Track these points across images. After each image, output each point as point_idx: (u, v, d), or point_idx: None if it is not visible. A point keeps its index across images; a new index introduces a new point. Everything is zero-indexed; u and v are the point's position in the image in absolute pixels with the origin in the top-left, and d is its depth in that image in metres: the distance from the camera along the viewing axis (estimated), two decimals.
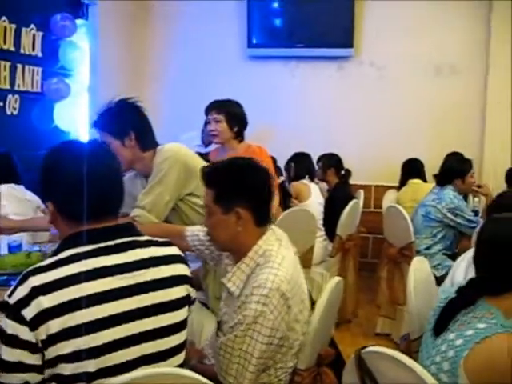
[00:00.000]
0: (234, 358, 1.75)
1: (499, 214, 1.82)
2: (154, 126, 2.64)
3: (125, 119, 2.54)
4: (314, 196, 4.45)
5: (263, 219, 1.90)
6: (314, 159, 4.91)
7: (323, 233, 4.38)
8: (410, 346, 2.28)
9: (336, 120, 5.83)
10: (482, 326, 1.52)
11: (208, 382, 1.31)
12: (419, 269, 2.34)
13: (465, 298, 1.66)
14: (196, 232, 2.30)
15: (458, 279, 2.21)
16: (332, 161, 4.88)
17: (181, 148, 2.62)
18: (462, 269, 2.25)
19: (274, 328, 1.74)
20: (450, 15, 5.61)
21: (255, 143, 3.58)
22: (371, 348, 1.51)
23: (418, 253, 3.78)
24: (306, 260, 3.90)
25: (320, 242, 4.29)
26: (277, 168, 4.36)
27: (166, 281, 1.51)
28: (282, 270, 1.79)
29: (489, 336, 1.48)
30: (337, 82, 5.89)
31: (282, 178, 4.12)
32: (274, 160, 5.00)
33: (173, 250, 1.60)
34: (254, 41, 5.97)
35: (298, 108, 5.90)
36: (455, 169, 3.91)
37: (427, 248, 3.92)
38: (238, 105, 3.46)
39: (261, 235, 1.88)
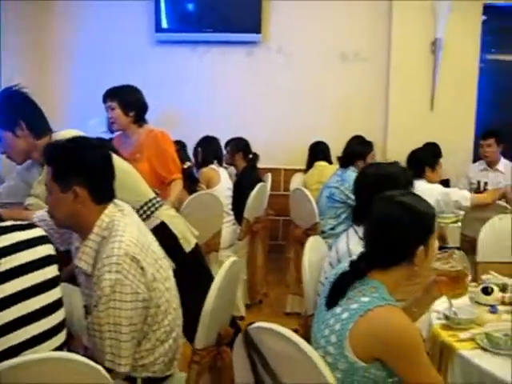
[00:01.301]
0: (105, 334, 1.75)
1: (386, 193, 1.90)
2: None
3: (12, 109, 2.48)
4: (223, 181, 4.48)
5: (102, 197, 1.91)
6: (223, 144, 4.94)
7: (232, 217, 4.44)
8: (307, 321, 2.37)
9: (245, 105, 5.90)
10: (365, 299, 1.60)
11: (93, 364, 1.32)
12: (314, 248, 2.43)
13: (354, 272, 1.73)
14: (44, 217, 2.26)
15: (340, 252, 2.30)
16: (240, 145, 4.93)
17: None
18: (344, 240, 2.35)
19: (134, 292, 1.76)
20: (354, 2, 5.77)
21: (160, 128, 3.56)
22: (257, 324, 1.57)
23: (323, 233, 3.90)
24: (213, 244, 3.96)
25: (229, 227, 4.34)
26: (181, 152, 4.35)
27: (39, 262, 1.52)
28: (126, 235, 1.83)
29: (371, 309, 1.56)
30: (245, 67, 5.94)
31: (189, 164, 4.12)
32: (183, 145, 5.01)
33: (37, 232, 1.61)
34: (162, 25, 5.91)
35: (207, 93, 5.90)
36: (356, 151, 4.05)
37: (332, 228, 4.03)
38: (132, 90, 3.45)
39: (103, 210, 1.90)
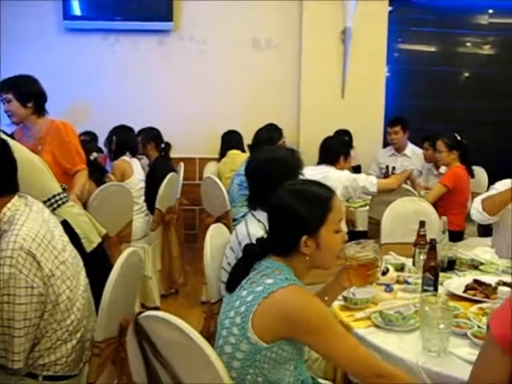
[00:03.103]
0: None
1: (290, 181, 1.90)
2: None
3: None
4: (136, 173, 4.40)
5: (1, 189, 1.88)
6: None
7: (144, 207, 4.39)
8: (211, 309, 2.39)
9: (157, 94, 5.82)
10: (269, 281, 1.60)
11: None
12: (216, 235, 2.44)
13: (252, 256, 1.74)
14: None
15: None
16: (151, 135, 4.87)
17: None
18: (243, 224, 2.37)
19: (29, 286, 1.74)
20: None
21: (62, 119, 3.47)
22: (146, 313, 1.56)
23: (235, 221, 3.92)
24: (125, 235, 3.91)
25: (141, 217, 4.30)
26: (92, 143, 4.25)
27: None
28: (24, 228, 1.80)
29: (274, 291, 1.56)
30: (158, 56, 5.86)
31: (95, 155, 4.02)
32: (93, 136, 4.91)
33: None
34: (71, 13, 5.73)
35: (120, 83, 5.79)
36: (265, 138, 4.07)
37: (243, 216, 4.05)
38: (28, 80, 3.34)
39: (5, 203, 1.87)
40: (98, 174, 3.74)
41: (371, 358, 1.63)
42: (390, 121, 5.45)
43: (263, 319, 1.56)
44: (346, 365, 1.61)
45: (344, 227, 3.98)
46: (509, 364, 1.27)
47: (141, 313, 1.57)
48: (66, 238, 2.05)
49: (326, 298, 1.98)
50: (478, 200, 3.22)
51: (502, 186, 3.17)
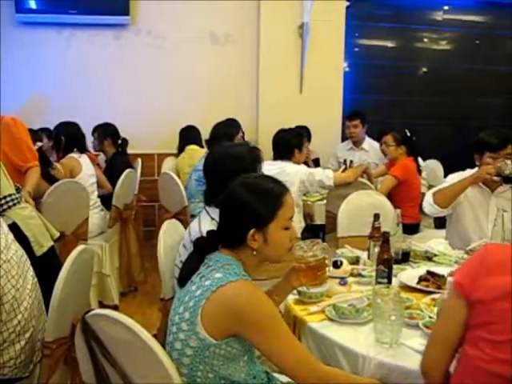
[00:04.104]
0: None
1: (243, 176, 1.88)
2: None
3: None
4: (85, 169, 4.28)
5: None
6: (89, 130, 4.79)
7: (99, 203, 4.32)
8: (166, 305, 2.37)
9: (114, 90, 5.71)
10: (218, 275, 1.59)
11: None
12: (170, 232, 2.42)
13: (202, 249, 1.73)
14: None
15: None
16: (107, 131, 4.80)
17: None
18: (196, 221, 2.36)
19: None
20: None
21: (11, 115, 3.37)
22: (93, 311, 1.54)
23: (193, 217, 3.89)
24: (81, 233, 3.85)
25: (96, 213, 4.23)
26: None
27: None
28: None
29: (223, 285, 1.56)
30: (114, 51, 5.75)
31: (39, 144, 3.88)
32: (49, 132, 4.80)
33: None
34: (25, 6, 5.58)
35: (76, 78, 5.64)
36: (222, 133, 4.05)
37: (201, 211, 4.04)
38: None
39: None
40: (43, 166, 3.55)
41: (316, 362, 1.64)
42: (349, 114, 5.49)
43: (212, 314, 1.55)
44: (291, 366, 1.59)
45: (301, 221, 4.00)
46: (464, 308, 1.41)
47: (88, 311, 1.55)
48: (10, 236, 1.99)
49: (276, 298, 1.99)
50: (429, 193, 3.27)
51: (452, 179, 3.23)
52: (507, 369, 1.33)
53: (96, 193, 4.30)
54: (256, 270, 1.77)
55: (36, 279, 2.05)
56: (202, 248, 1.74)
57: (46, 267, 2.57)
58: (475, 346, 1.37)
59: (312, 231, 4.22)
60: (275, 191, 1.75)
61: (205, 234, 1.85)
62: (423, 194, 4.82)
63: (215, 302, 1.55)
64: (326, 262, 2.02)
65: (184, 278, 1.71)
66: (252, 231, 1.68)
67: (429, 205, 3.20)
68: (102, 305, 4.12)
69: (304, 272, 1.98)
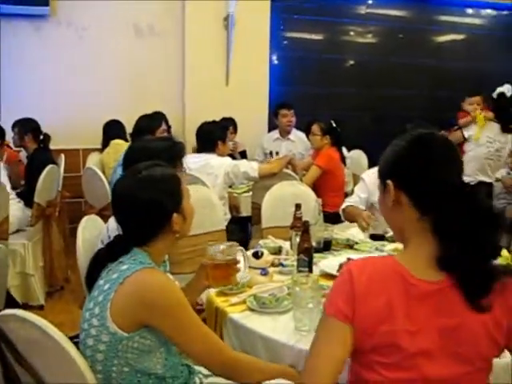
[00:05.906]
0: None
1: (126, 172, 1.87)
2: None
3: None
4: None
5: None
6: (9, 125, 4.63)
7: (14, 195, 4.16)
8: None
9: (35, 83, 5.52)
10: (124, 267, 1.58)
11: None
12: (89, 227, 2.38)
13: (109, 254, 1.69)
14: None
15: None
16: (28, 126, 4.64)
17: None
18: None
19: None
20: None
21: None
22: (2, 312, 1.49)
23: None
24: (1, 232, 3.72)
25: (17, 211, 4.09)
26: None
27: None
28: None
29: (129, 275, 1.55)
30: (35, 42, 5.55)
31: None
32: None
33: None
34: None
35: None
36: (144, 126, 3.99)
37: None
38: None
39: None
40: None
41: (224, 348, 1.66)
42: (285, 104, 5.52)
43: (120, 306, 1.53)
44: (199, 352, 1.61)
45: (227, 213, 4.02)
46: (349, 334, 1.30)
47: None
48: None
49: (188, 297, 1.99)
50: (343, 205, 3.45)
51: (367, 176, 3.38)
52: None
53: (9, 185, 4.08)
54: (171, 252, 1.77)
55: None
56: (109, 254, 1.69)
57: None
58: (371, 369, 1.32)
59: (238, 223, 4.25)
60: (167, 174, 1.76)
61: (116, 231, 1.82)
62: (347, 183, 4.97)
63: (123, 293, 1.53)
64: (236, 263, 2.03)
65: (91, 278, 1.68)
66: (175, 216, 1.70)
67: (342, 215, 3.43)
68: (27, 306, 4.00)
69: (211, 271, 2.01)
